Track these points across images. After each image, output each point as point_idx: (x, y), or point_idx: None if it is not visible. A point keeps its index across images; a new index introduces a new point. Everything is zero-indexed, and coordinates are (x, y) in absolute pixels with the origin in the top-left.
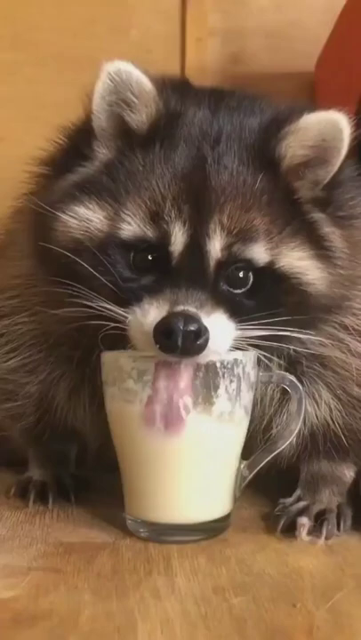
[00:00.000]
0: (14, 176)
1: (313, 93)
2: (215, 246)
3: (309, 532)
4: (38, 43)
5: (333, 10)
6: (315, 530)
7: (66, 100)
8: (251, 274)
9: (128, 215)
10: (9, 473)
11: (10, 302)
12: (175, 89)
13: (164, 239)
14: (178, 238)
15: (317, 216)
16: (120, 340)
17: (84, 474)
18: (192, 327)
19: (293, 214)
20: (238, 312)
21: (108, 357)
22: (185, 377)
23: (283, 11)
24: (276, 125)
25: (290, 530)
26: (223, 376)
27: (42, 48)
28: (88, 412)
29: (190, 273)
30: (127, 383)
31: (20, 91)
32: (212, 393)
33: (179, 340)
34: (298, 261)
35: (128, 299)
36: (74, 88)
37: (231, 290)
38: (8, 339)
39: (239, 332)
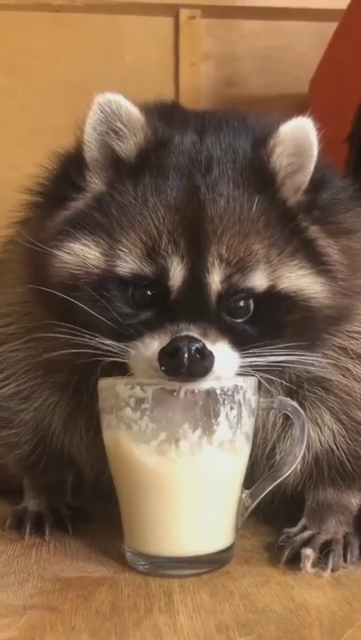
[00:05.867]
0: (9, 200)
1: (305, 115)
2: (215, 279)
3: (315, 564)
4: (33, 68)
5: (324, 34)
6: (320, 561)
7: (61, 125)
8: (251, 301)
9: (123, 252)
10: (5, 502)
11: (5, 329)
12: (163, 116)
13: (162, 275)
14: (176, 273)
15: (312, 229)
16: (117, 366)
17: (81, 504)
18: (197, 345)
19: (291, 232)
20: (241, 341)
21: (105, 384)
22: (192, 405)
23: (274, 35)
24: (263, 141)
25: (294, 561)
26: (223, 403)
27: (37, 73)
28: (84, 440)
29: (191, 306)
30: (125, 411)
31: (15, 116)
32: (213, 420)
33: (185, 358)
34: (298, 280)
35: (128, 335)
36: (69, 113)
37: (233, 319)
38: (3, 366)
39: (243, 360)
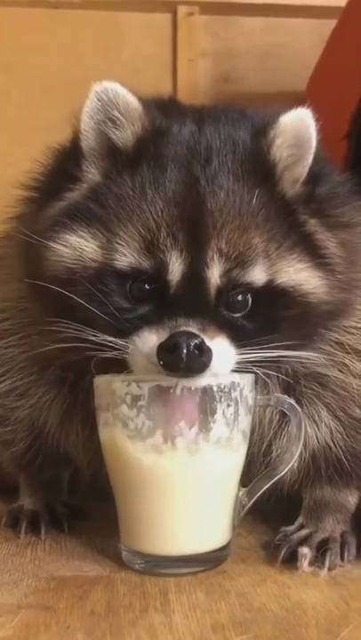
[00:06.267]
0: (6, 198)
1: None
2: (214, 274)
3: (311, 563)
4: (30, 65)
5: (322, 31)
6: (317, 560)
7: (57, 123)
8: (250, 295)
9: (121, 245)
10: (0, 501)
11: (0, 325)
12: (161, 107)
13: (161, 269)
14: (175, 268)
15: (310, 223)
16: (113, 363)
17: (77, 502)
18: (196, 341)
19: (290, 225)
20: (239, 336)
21: (101, 382)
22: (189, 403)
23: (272, 32)
24: (263, 132)
25: (291, 560)
26: (220, 400)
27: (34, 71)
28: (80, 437)
29: (189, 301)
30: (121, 408)
31: (11, 114)
32: (209, 418)
33: (183, 354)
34: (297, 274)
35: (126, 329)
36: (65, 111)
37: (231, 314)
38: None
39: (241, 356)
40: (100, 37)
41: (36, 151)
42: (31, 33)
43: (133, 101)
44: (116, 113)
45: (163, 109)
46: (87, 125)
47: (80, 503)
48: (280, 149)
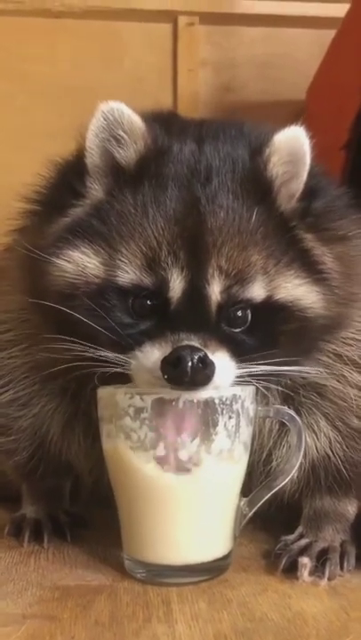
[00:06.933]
0: (5, 204)
1: (302, 122)
2: (214, 290)
3: (311, 573)
4: (31, 73)
5: (321, 41)
6: (317, 570)
7: (58, 130)
8: (249, 311)
9: (123, 262)
10: (3, 509)
11: (2, 336)
12: (162, 124)
13: (162, 286)
14: (176, 285)
15: (307, 238)
16: (115, 375)
17: (79, 510)
18: (199, 354)
19: (288, 242)
20: (240, 351)
21: (105, 393)
22: (191, 415)
23: (272, 42)
24: (259, 151)
25: (291, 569)
26: (222, 412)
27: (35, 78)
28: (82, 446)
29: (190, 317)
30: (124, 420)
31: (12, 120)
32: (211, 430)
33: (187, 367)
34: (295, 289)
35: (128, 345)
36: (66, 118)
37: (231, 329)
38: (1, 373)
39: (241, 370)
40: (101, 47)
41: (39, 158)
42: (34, 41)
43: (137, 121)
44: (120, 132)
45: (164, 126)
46: (92, 143)
47: (82, 511)
48: (276, 167)
